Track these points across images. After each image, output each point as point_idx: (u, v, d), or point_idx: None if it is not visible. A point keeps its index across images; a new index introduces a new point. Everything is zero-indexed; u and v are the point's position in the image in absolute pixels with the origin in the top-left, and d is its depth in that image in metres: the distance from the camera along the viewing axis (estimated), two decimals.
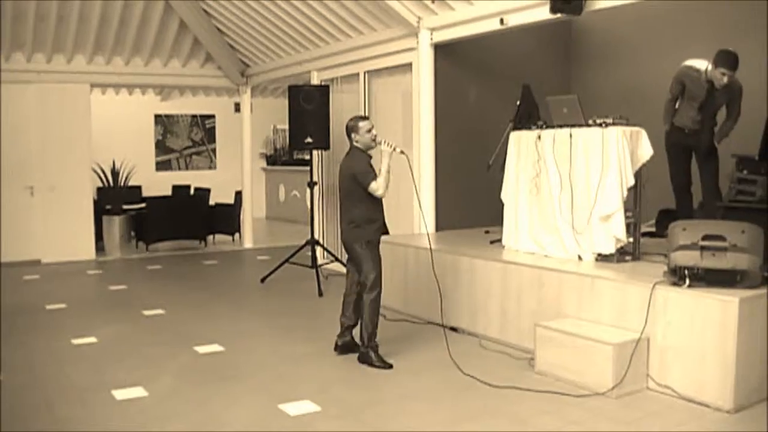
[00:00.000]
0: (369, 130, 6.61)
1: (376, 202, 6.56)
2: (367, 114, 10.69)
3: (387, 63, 10.22)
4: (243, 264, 13.08)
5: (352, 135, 6.65)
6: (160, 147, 18.78)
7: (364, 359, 6.46)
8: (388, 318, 8.12)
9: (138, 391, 5.91)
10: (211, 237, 14.88)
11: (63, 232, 12.87)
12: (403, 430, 5.09)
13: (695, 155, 7.58)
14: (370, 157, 6.64)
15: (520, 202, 7.72)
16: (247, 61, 13.88)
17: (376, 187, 6.39)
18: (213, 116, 19.27)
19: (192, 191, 16.13)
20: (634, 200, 7.03)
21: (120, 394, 5.84)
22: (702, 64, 7.20)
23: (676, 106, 7.55)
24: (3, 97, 12.45)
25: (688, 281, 5.61)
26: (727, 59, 6.93)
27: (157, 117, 18.68)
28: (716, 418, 5.22)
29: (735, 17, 8.52)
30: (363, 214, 6.54)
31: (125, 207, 14.34)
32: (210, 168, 19.26)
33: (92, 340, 7.59)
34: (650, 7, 8.78)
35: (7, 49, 12.24)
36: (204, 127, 19.27)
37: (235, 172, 15.39)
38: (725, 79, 6.98)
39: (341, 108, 11.22)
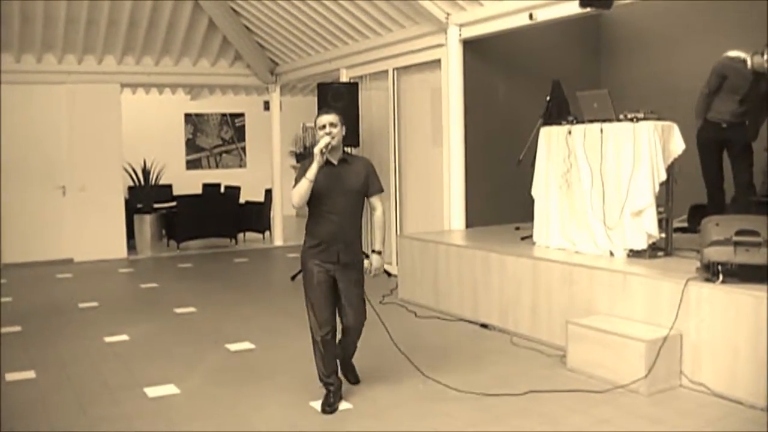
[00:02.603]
0: (322, 126, 5.30)
1: (317, 214, 5.43)
2: (395, 111, 10.68)
3: (416, 60, 10.19)
4: (273, 262, 13.12)
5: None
6: (190, 146, 18.88)
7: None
8: (419, 315, 8.11)
9: (170, 389, 5.95)
10: (241, 235, 14.97)
11: (95, 231, 12.98)
12: (435, 429, 5.08)
13: (728, 150, 7.47)
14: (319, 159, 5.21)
15: (550, 198, 7.67)
16: (276, 59, 13.91)
17: (292, 194, 5.33)
18: (242, 115, 19.34)
19: (222, 189, 16.21)
20: (666, 195, 6.96)
21: (152, 392, 5.88)
22: (744, 55, 7.11)
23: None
24: (35, 98, 12.61)
25: (721, 277, 5.55)
26: None
27: (187, 116, 18.78)
28: (750, 415, 5.15)
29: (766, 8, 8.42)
30: (307, 224, 5.55)
31: (156, 206, 14.42)
32: (240, 166, 19.34)
33: (124, 338, 7.65)
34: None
35: (38, 51, 12.35)
36: (234, 126, 19.35)
37: (265, 170, 15.43)
38: None
39: (370, 105, 11.22)
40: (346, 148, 5.75)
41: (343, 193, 5.36)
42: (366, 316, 5.59)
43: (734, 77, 7.18)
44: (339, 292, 5.44)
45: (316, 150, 5.17)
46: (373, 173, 5.55)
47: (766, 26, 7.67)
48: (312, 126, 18.88)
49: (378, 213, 5.60)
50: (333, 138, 5.23)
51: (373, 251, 5.63)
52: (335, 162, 5.37)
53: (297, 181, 5.29)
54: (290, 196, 5.34)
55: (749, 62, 7.08)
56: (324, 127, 5.26)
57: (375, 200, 5.56)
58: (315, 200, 5.33)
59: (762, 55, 6.97)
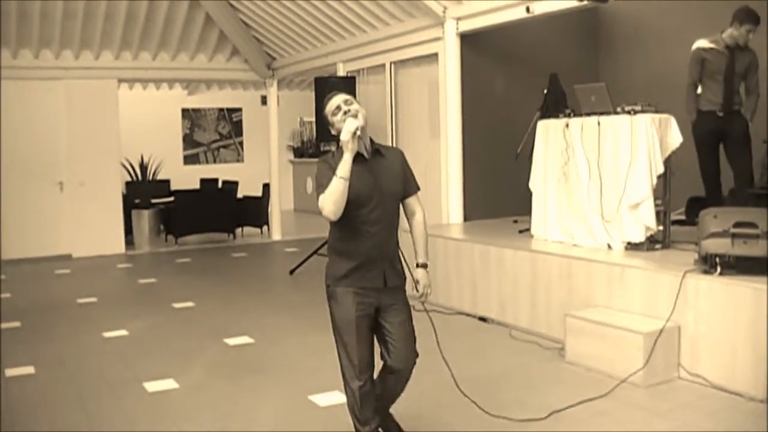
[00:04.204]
0: (337, 108, 4.09)
1: (348, 226, 4.09)
2: (393, 105, 10.67)
3: (413, 53, 10.19)
4: (271, 256, 13.12)
5: (330, 127, 4.23)
6: (188, 141, 18.87)
7: None
8: (417, 309, 8.10)
9: (169, 384, 5.96)
10: (239, 230, 14.97)
11: (93, 226, 12.99)
12: (434, 421, 5.09)
13: (727, 142, 7.40)
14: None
15: (548, 191, 7.68)
16: (273, 54, 13.90)
17: (321, 203, 3.98)
18: (240, 109, 19.34)
19: (220, 184, 16.21)
20: (664, 188, 6.97)
21: (151, 387, 5.89)
22: (713, 36, 7.15)
23: (698, 91, 7.42)
24: (33, 94, 12.60)
25: (719, 269, 5.55)
26: (750, 15, 6.97)
27: (185, 111, 18.77)
28: (749, 407, 5.16)
29: (762, 3, 8.40)
30: (332, 240, 4.26)
31: (154, 201, 14.45)
32: (237, 161, 19.34)
33: (123, 333, 7.65)
34: None
35: (36, 47, 12.33)
36: (231, 121, 19.34)
37: (263, 165, 15.44)
38: (751, 36, 6.99)
39: (368, 99, 11.20)
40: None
41: (382, 196, 4.09)
42: (417, 353, 4.38)
43: (711, 58, 7.15)
44: (381, 325, 4.24)
45: (345, 135, 3.87)
46: (408, 167, 4.30)
47: (767, 22, 7.68)
48: (309, 121, 19.06)
49: (418, 218, 4.37)
50: (357, 117, 3.97)
51: (417, 265, 4.42)
52: (366, 155, 4.10)
53: (321, 183, 4.02)
54: (320, 206, 3.98)
55: (721, 41, 7.09)
56: (339, 108, 4.06)
57: (413, 202, 4.33)
58: (350, 209, 3.99)
59: (732, 27, 7.02)
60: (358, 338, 4.09)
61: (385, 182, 4.10)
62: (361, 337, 4.11)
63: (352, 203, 3.96)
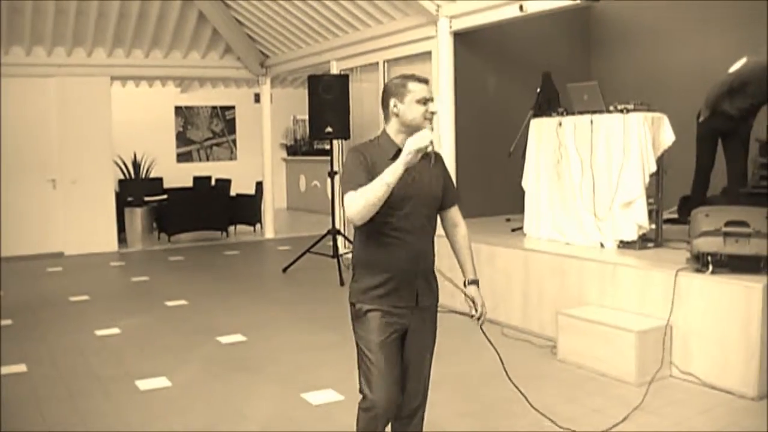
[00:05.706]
0: (422, 101, 3.53)
1: (380, 233, 3.51)
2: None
3: (406, 52, 10.17)
4: (264, 254, 13.11)
5: (391, 102, 3.55)
6: (181, 138, 18.83)
7: None
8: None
9: (161, 382, 5.95)
10: (232, 228, 14.94)
11: (85, 224, 12.94)
12: (429, 419, 5.09)
13: (728, 139, 7.49)
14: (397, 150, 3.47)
15: (541, 190, 7.69)
16: (267, 51, 13.89)
17: (348, 202, 3.35)
18: (233, 107, 19.29)
19: (213, 182, 16.18)
20: (656, 186, 6.99)
21: (143, 385, 5.88)
22: (761, 58, 7.16)
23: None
24: (25, 91, 12.53)
25: (711, 268, 5.58)
26: None
27: (177, 109, 18.72)
28: (740, 405, 5.19)
29: (754, 3, 8.43)
30: (358, 251, 3.66)
31: (147, 199, 14.39)
32: (231, 159, 19.30)
33: (115, 331, 7.64)
34: None
35: (27, 44, 12.29)
36: (224, 118, 19.30)
37: (256, 163, 15.41)
38: None
39: (361, 97, 11.20)
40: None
41: (423, 203, 3.58)
42: (428, 393, 3.96)
43: (755, 85, 7.19)
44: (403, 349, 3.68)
45: (413, 146, 3.25)
46: (448, 174, 3.86)
47: (766, 25, 7.69)
48: (302, 119, 19.04)
49: (462, 231, 3.98)
50: (431, 122, 3.57)
51: (469, 283, 3.89)
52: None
53: (350, 179, 3.41)
54: (346, 206, 3.37)
55: None
56: (425, 102, 3.54)
57: (455, 213, 3.94)
58: (380, 212, 3.38)
59: None
60: (385, 366, 3.52)
61: (425, 186, 3.58)
62: (390, 365, 3.53)
63: (386, 207, 3.37)
